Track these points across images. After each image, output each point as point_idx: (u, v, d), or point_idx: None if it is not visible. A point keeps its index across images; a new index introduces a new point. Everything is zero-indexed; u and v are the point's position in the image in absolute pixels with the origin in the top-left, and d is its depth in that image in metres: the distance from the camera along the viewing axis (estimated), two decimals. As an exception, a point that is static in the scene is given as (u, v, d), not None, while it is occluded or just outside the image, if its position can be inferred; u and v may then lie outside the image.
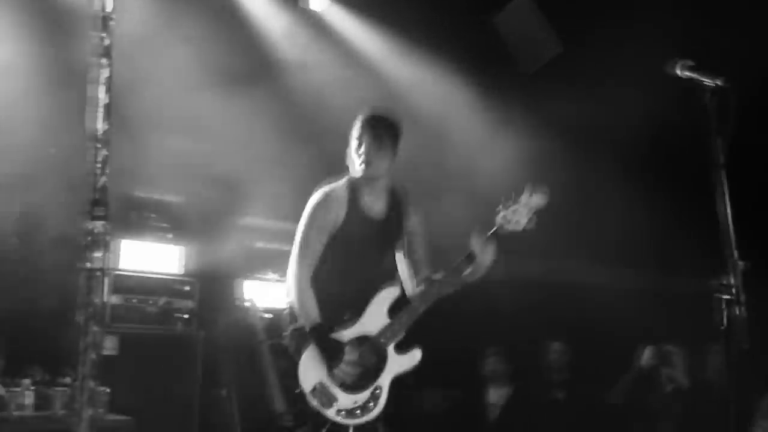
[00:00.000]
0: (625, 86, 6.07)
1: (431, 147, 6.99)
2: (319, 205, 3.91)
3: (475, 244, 3.79)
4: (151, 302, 5.83)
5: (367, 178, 3.95)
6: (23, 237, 5.57)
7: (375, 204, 4.00)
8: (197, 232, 6.10)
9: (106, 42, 2.52)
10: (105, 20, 2.50)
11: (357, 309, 3.87)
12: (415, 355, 3.92)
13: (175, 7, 5.99)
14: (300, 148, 5.81)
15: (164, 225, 6.05)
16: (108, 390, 5.07)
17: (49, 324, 5.09)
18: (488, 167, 6.91)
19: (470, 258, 3.79)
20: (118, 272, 5.78)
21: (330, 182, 4.04)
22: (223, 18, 6.46)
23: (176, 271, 6.01)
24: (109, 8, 2.56)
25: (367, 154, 3.90)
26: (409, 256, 4.10)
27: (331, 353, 3.74)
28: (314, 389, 3.73)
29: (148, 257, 5.94)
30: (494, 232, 3.79)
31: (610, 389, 6.06)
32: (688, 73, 3.14)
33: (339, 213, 3.91)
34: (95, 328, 2.45)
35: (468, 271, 3.83)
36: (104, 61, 2.49)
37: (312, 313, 3.76)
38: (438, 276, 3.86)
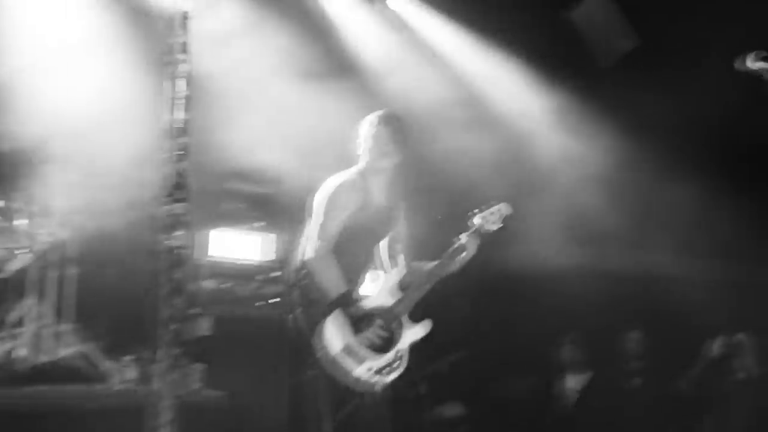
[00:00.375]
0: (704, 79, 5.90)
1: (512, 145, 6.94)
2: (341, 191, 4.16)
3: (463, 238, 4.21)
4: (243, 287, 5.99)
5: (380, 170, 4.27)
6: (132, 229, 5.72)
7: (381, 194, 4.29)
8: (286, 221, 6.22)
9: (185, 39, 2.62)
10: (184, 19, 2.60)
11: (366, 281, 4.28)
12: (426, 325, 4.23)
13: (262, 7, 6.10)
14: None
15: (255, 214, 6.20)
16: (204, 366, 5.30)
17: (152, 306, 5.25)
18: (568, 164, 6.83)
19: (461, 249, 4.21)
20: (212, 259, 5.95)
21: (341, 171, 4.30)
22: (306, 16, 6.55)
23: (267, 258, 6.13)
24: (188, 8, 2.66)
25: (386, 146, 4.24)
26: (397, 243, 4.43)
27: (359, 318, 4.05)
28: (344, 350, 4.00)
29: (241, 245, 6.11)
30: (476, 230, 4.23)
31: (683, 377, 5.93)
32: (760, 64, 3.09)
33: (356, 200, 4.18)
34: (177, 300, 2.57)
35: (458, 259, 4.23)
36: (183, 56, 2.60)
37: (339, 284, 4.05)
38: (438, 261, 4.24)
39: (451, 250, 4.22)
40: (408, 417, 6.28)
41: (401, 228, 4.43)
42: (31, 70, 5.68)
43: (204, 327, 5.74)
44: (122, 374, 5.22)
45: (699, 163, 6.39)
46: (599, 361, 6.64)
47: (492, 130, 6.89)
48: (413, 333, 4.19)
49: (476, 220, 4.23)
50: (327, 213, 4.13)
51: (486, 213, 4.25)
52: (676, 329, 6.31)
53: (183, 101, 2.62)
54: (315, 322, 4.01)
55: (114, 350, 5.42)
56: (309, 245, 4.12)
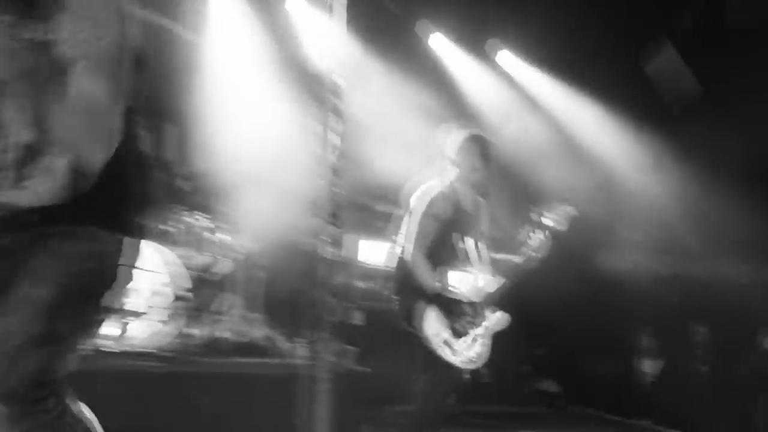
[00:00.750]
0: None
1: (604, 176, 6.87)
2: (436, 202, 4.00)
3: (535, 237, 4.01)
4: (386, 287, 6.09)
5: (468, 181, 4.08)
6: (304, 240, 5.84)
7: (468, 201, 4.12)
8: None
9: (339, 102, 2.79)
10: (337, 86, 2.76)
11: (455, 278, 4.00)
12: (505, 317, 4.02)
13: (400, 69, 6.28)
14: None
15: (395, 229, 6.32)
16: (355, 349, 5.35)
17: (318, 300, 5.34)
18: (651, 192, 6.70)
19: (534, 247, 4.00)
20: (361, 263, 6.10)
21: (432, 178, 4.10)
22: (434, 73, 6.71)
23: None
24: (340, 76, 2.83)
25: (475, 162, 4.04)
26: (481, 241, 4.19)
27: (451, 313, 3.89)
28: (436, 337, 3.85)
29: (385, 253, 6.23)
30: (547, 229, 4.00)
31: (742, 364, 5.75)
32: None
33: (449, 209, 4.01)
34: (332, 299, 2.78)
35: (533, 256, 4.02)
36: (337, 116, 2.78)
37: (432, 281, 3.89)
38: (518, 259, 4.03)
39: (525, 247, 4.01)
40: (512, 391, 6.33)
41: (485, 229, 4.23)
42: (224, 114, 5.93)
43: (357, 318, 5.86)
44: (296, 352, 5.33)
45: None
46: (671, 349, 6.48)
47: (586, 166, 6.84)
48: (495, 324, 4.01)
49: (546, 221, 4.02)
50: (423, 222, 3.95)
51: (553, 214, 4.04)
52: (738, 325, 6.10)
53: (338, 144, 2.81)
54: (408, 311, 3.90)
55: (290, 334, 5.54)
56: (407, 246, 3.96)
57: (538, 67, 7.16)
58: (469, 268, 4.09)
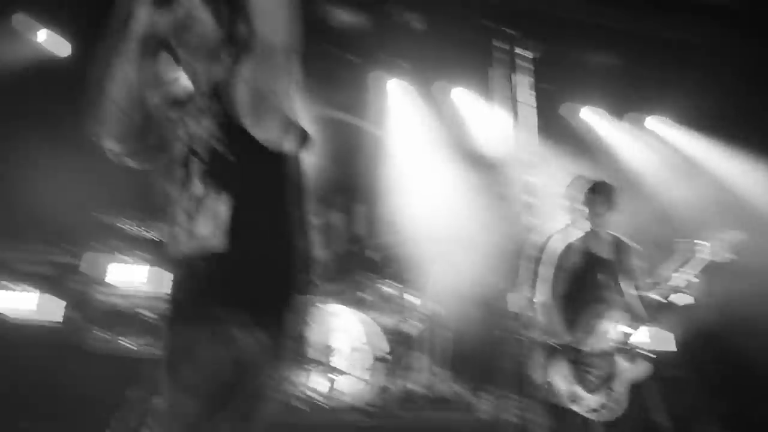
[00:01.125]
0: None
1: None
2: (566, 253, 3.74)
3: (686, 272, 3.59)
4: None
5: (598, 229, 3.78)
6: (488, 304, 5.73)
7: (603, 248, 3.80)
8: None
9: (530, 200, 2.67)
10: (529, 184, 2.66)
11: (588, 328, 3.67)
12: (644, 367, 3.64)
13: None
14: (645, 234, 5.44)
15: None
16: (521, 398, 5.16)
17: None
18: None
19: (685, 283, 3.58)
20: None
21: (561, 229, 3.83)
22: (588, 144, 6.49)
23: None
24: (531, 174, 2.73)
25: (600, 211, 3.77)
26: (632, 287, 3.76)
27: (578, 365, 3.59)
28: (565, 394, 3.55)
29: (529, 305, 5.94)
30: (702, 262, 3.55)
31: None
32: None
33: (577, 258, 3.74)
34: (516, 356, 2.68)
35: (685, 292, 3.60)
36: (527, 213, 2.66)
37: (563, 335, 3.63)
38: (665, 299, 3.61)
39: (671, 287, 3.56)
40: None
41: (635, 275, 3.76)
42: (406, 193, 6.10)
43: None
44: (481, 406, 5.14)
45: None
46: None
47: (745, 222, 6.22)
48: (630, 374, 3.57)
49: (702, 254, 3.56)
50: (556, 275, 3.70)
51: (713, 245, 3.57)
52: None
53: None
54: (550, 361, 3.60)
55: (475, 389, 5.38)
56: (539, 297, 3.71)
57: (687, 127, 6.78)
58: (606, 315, 3.72)
